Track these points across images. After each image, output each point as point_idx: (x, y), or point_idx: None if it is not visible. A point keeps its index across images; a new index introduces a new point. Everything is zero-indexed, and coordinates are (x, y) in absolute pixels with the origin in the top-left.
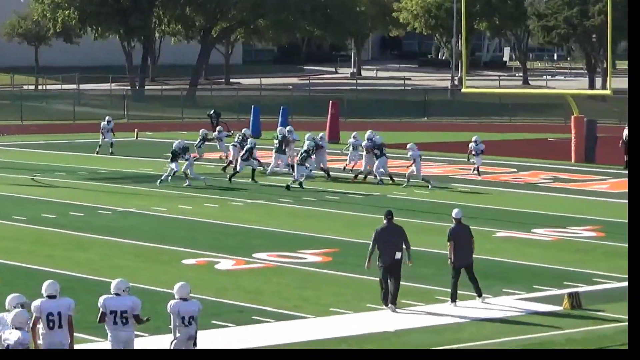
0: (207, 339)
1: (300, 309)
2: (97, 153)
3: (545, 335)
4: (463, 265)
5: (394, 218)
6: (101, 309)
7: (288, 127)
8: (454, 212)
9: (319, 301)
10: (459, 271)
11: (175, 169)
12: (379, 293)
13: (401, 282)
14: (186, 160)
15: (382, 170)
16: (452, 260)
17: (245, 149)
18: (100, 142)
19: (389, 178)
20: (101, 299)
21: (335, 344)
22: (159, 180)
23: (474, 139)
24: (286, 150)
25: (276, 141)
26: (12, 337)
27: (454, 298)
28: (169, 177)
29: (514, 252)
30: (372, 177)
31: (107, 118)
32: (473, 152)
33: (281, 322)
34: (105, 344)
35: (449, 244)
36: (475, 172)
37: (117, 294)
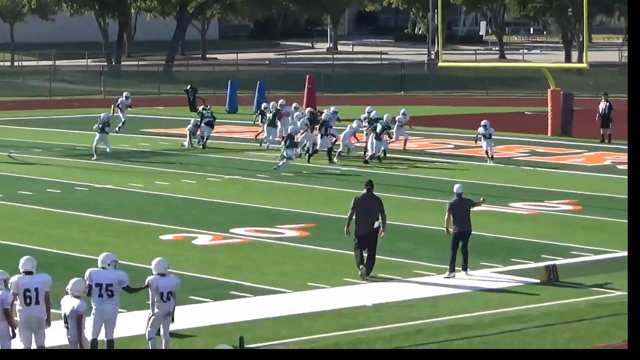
0: (185, 315)
1: (278, 284)
2: (118, 131)
3: (523, 308)
4: (462, 232)
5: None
6: (87, 282)
7: (280, 101)
8: (455, 187)
9: (297, 276)
10: (458, 239)
11: (292, 156)
12: (356, 267)
13: (380, 256)
14: (104, 132)
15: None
16: (449, 230)
17: (321, 123)
18: (123, 119)
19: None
20: (87, 271)
21: (314, 318)
22: (275, 167)
23: (482, 123)
24: (278, 124)
25: (269, 115)
26: (68, 305)
27: (452, 268)
28: (284, 164)
29: (492, 226)
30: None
31: (125, 94)
32: (482, 137)
33: (259, 297)
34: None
35: (446, 215)
36: (489, 159)
37: (104, 268)
